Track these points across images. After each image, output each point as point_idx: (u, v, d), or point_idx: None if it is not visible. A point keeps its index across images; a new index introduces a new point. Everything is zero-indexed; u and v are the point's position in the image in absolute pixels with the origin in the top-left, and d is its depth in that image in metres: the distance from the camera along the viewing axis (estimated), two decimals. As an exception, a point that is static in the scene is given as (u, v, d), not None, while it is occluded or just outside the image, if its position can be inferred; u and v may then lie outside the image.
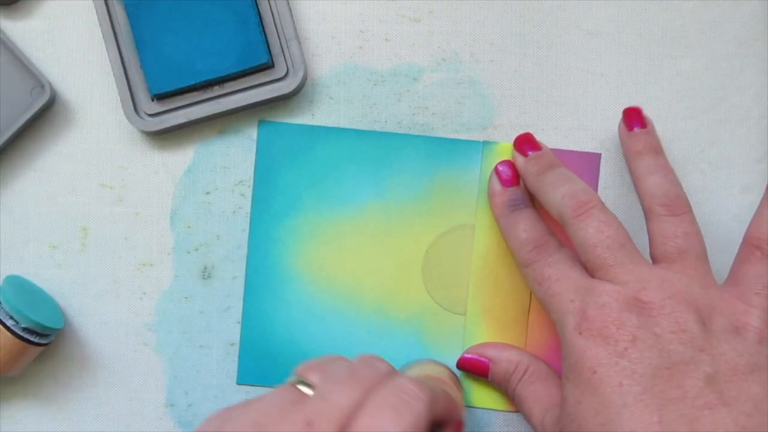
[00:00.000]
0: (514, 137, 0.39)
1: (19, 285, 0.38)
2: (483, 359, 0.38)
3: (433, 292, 0.40)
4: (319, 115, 0.40)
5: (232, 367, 0.40)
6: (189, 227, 0.40)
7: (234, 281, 0.40)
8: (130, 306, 0.40)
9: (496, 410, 0.40)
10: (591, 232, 0.33)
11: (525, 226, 0.37)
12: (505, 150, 0.40)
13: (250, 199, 0.40)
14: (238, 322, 0.40)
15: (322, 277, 0.40)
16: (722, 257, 0.37)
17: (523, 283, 0.39)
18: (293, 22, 0.39)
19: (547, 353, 0.40)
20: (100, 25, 0.38)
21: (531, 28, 0.40)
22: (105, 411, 0.40)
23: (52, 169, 0.40)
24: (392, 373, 0.29)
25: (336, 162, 0.40)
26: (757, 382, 0.30)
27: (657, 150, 0.37)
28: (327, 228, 0.40)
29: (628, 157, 0.37)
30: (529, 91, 0.40)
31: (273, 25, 0.39)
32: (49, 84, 0.39)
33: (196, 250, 0.40)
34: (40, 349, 0.37)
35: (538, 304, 0.40)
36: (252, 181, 0.40)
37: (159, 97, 0.38)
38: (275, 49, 0.39)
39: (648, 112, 0.39)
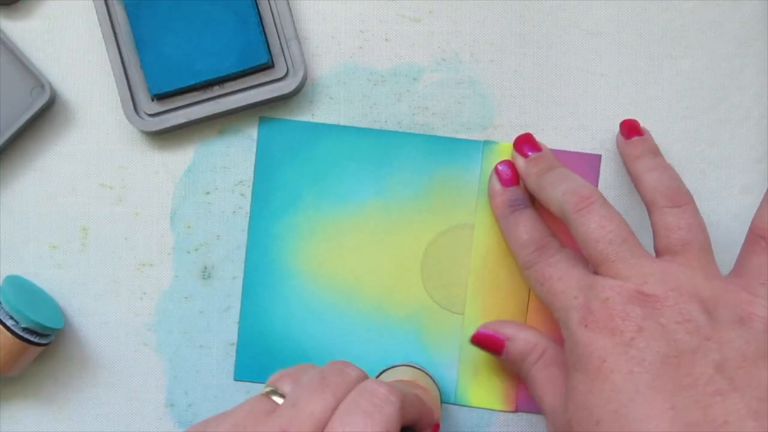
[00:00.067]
0: (514, 137, 0.39)
1: (19, 285, 0.38)
2: (499, 336, 0.37)
3: (432, 291, 0.40)
4: (319, 114, 0.40)
5: (232, 367, 0.40)
6: (189, 227, 0.40)
7: (234, 281, 0.40)
8: (130, 306, 0.40)
9: (496, 410, 0.40)
10: (593, 227, 0.33)
11: (526, 227, 0.37)
12: (505, 150, 0.40)
13: (250, 199, 0.40)
14: (238, 322, 0.40)
15: (321, 275, 0.40)
16: (722, 257, 0.37)
17: (522, 283, 0.39)
18: (293, 22, 0.39)
19: (547, 353, 0.40)
20: (100, 25, 0.38)
21: (531, 28, 0.40)
22: (105, 411, 0.40)
23: (52, 169, 0.40)
24: (363, 378, 0.29)
25: (336, 159, 0.40)
26: (767, 367, 0.30)
27: (655, 152, 0.37)
28: (327, 225, 0.40)
29: (628, 162, 0.37)
30: (529, 91, 0.40)
31: (273, 25, 0.39)
32: (49, 84, 0.39)
33: (196, 250, 0.40)
34: (40, 349, 0.37)
35: (536, 304, 0.40)
36: (252, 181, 0.40)
37: (159, 97, 0.38)
38: (275, 49, 0.39)
39: (648, 112, 0.39)
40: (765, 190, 0.37)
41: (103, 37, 0.39)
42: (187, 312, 0.40)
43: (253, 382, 0.40)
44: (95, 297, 0.40)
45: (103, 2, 0.38)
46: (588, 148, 0.40)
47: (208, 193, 0.40)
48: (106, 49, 0.38)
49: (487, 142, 0.40)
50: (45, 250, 0.40)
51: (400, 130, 0.40)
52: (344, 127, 0.40)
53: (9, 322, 0.36)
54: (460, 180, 0.40)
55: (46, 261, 0.40)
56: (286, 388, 0.28)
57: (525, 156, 0.38)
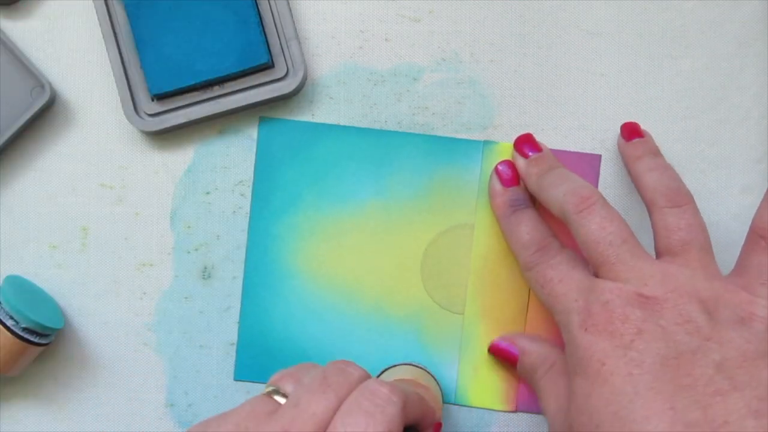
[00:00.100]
0: (514, 137, 0.39)
1: (19, 285, 0.38)
2: (513, 350, 0.38)
3: (432, 291, 0.40)
4: (319, 114, 0.40)
5: (232, 367, 0.40)
6: (189, 227, 0.40)
7: (234, 281, 0.40)
8: (130, 306, 0.40)
9: (496, 410, 0.40)
10: (593, 229, 0.33)
11: (527, 227, 0.37)
12: (505, 150, 0.40)
13: (250, 199, 0.40)
14: (238, 322, 0.40)
15: (321, 274, 0.40)
16: (722, 257, 0.37)
17: (522, 284, 0.39)
18: (293, 22, 0.39)
19: (547, 353, 0.40)
20: (100, 25, 0.38)
21: (531, 28, 0.40)
22: (105, 411, 0.40)
23: (52, 169, 0.40)
24: (365, 377, 0.29)
25: (336, 159, 0.40)
26: (767, 367, 0.30)
27: (655, 152, 0.37)
28: (327, 225, 0.40)
29: (628, 162, 0.37)
30: (529, 91, 0.40)
31: (273, 25, 0.39)
32: (49, 84, 0.39)
33: (196, 250, 0.40)
34: (40, 349, 0.37)
35: (536, 305, 0.40)
36: (252, 181, 0.40)
37: (159, 97, 0.38)
38: (275, 49, 0.39)
39: (648, 112, 0.39)
40: (765, 190, 0.37)
41: (103, 37, 0.39)
42: (187, 312, 0.40)
43: (253, 382, 0.40)
44: (95, 297, 0.40)
45: (103, 2, 0.38)
46: (588, 148, 0.40)
47: (208, 193, 0.40)
48: (106, 49, 0.38)
49: (487, 142, 0.40)
50: (45, 250, 0.40)
51: (400, 130, 0.40)
52: (344, 127, 0.40)
53: (9, 322, 0.36)
54: (460, 180, 0.40)
55: (46, 261, 0.40)
56: (287, 388, 0.28)
57: (525, 156, 0.38)
